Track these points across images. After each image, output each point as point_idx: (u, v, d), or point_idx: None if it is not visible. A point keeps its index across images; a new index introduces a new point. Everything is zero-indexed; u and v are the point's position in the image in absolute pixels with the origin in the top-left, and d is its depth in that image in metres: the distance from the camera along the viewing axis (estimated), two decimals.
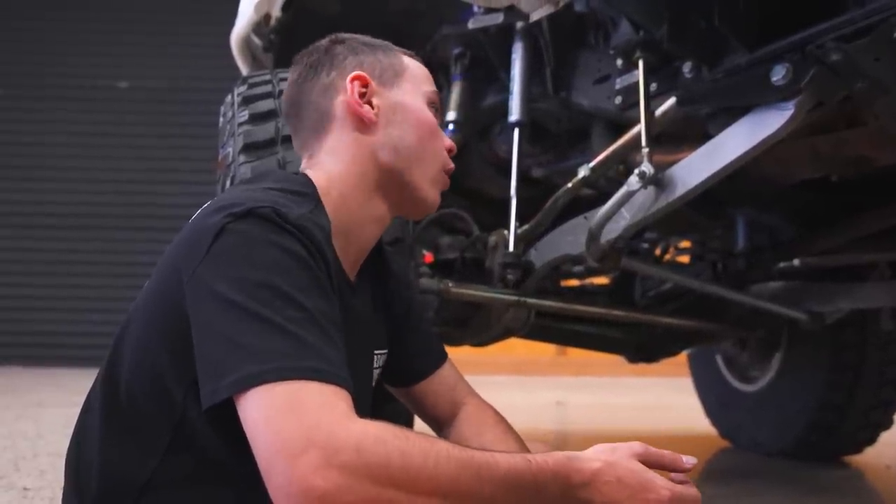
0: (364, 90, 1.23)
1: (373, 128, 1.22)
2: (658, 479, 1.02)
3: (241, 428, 0.94)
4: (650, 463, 1.04)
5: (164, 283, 1.08)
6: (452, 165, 1.30)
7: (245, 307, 0.96)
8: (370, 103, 1.23)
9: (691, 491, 1.06)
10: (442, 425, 1.39)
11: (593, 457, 1.01)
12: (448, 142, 1.30)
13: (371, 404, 1.32)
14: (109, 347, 1.15)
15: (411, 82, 1.28)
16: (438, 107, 1.31)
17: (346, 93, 1.23)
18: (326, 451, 0.88)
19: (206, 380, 0.97)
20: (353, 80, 1.23)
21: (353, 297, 1.22)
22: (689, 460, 1.08)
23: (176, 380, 1.05)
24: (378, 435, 0.91)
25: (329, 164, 1.22)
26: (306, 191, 1.16)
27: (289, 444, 0.89)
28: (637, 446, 1.04)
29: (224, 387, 0.94)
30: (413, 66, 1.30)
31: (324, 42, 1.30)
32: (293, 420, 0.90)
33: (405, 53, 1.31)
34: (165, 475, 1.08)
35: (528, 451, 1.32)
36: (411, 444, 0.92)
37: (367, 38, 1.31)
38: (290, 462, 0.88)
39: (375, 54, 1.27)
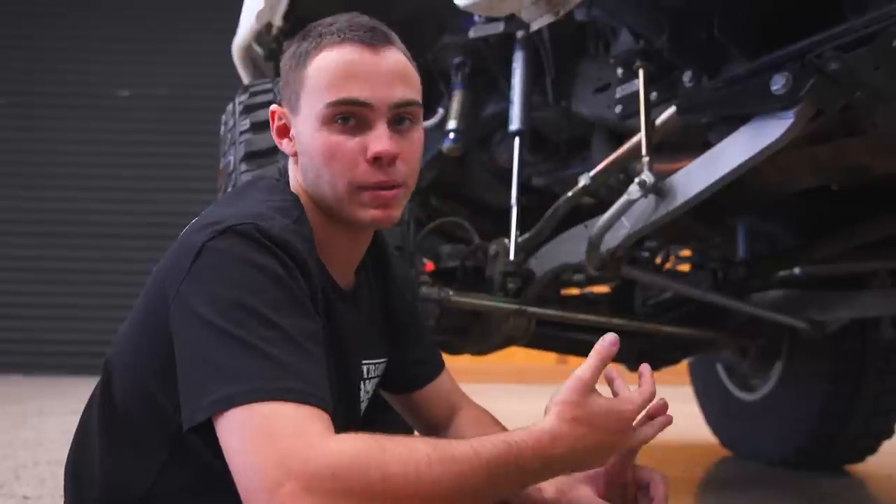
0: (283, 123, 1.20)
1: (297, 159, 1.19)
2: (620, 403, 1.06)
3: None
4: (595, 381, 1.05)
5: (152, 300, 1.09)
6: (376, 179, 1.12)
7: (221, 327, 0.96)
8: (290, 136, 1.19)
9: (637, 393, 1.09)
10: (439, 431, 1.39)
11: (560, 418, 1.02)
12: (373, 150, 1.11)
13: (365, 412, 1.31)
14: (104, 361, 1.16)
15: (307, 103, 1.14)
16: (356, 109, 1.11)
17: None
18: (303, 478, 0.88)
19: (186, 400, 0.97)
20: (270, 117, 1.21)
21: (345, 305, 1.21)
22: (609, 339, 1.08)
23: (167, 396, 1.06)
24: (354, 453, 0.91)
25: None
26: (290, 199, 1.16)
27: (266, 476, 0.89)
28: (580, 383, 1.04)
29: (202, 408, 0.94)
30: (313, 77, 1.13)
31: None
32: (267, 448, 0.89)
33: (328, 46, 1.13)
34: (165, 487, 1.08)
35: None
36: (389, 455, 0.92)
37: (305, 37, 1.18)
38: (269, 495, 0.88)
39: (289, 73, 1.17)
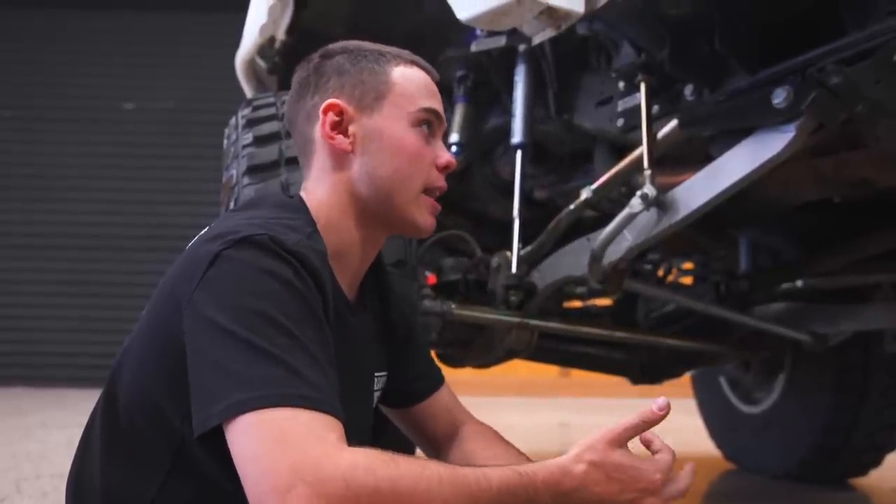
0: (339, 119, 1.19)
1: (349, 157, 1.20)
2: (645, 465, 1.04)
3: None
4: (627, 439, 1.05)
5: (161, 310, 1.08)
6: (442, 184, 1.24)
7: (236, 334, 0.96)
8: (346, 132, 1.20)
9: (666, 457, 1.07)
10: (441, 446, 1.39)
11: (578, 458, 1.02)
12: (444, 158, 1.24)
13: (372, 426, 1.32)
14: (109, 372, 1.15)
15: (395, 104, 1.21)
16: (434, 120, 1.24)
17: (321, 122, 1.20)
18: (314, 485, 0.88)
19: (198, 407, 0.97)
20: (326, 110, 1.19)
21: (354, 317, 1.22)
22: (658, 404, 1.06)
23: (173, 407, 1.05)
24: (367, 465, 0.91)
25: (317, 190, 1.21)
26: (301, 216, 1.16)
27: (277, 480, 0.89)
28: (609, 434, 1.03)
29: (214, 414, 0.94)
30: (402, 83, 1.22)
31: (315, 56, 1.26)
32: (281, 453, 0.90)
33: (401, 62, 1.24)
34: (167, 500, 1.08)
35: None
36: (401, 470, 0.92)
37: (360, 49, 1.25)
38: (279, 498, 0.88)
39: (361, 74, 1.21)
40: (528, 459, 1.32)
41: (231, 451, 0.94)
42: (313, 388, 0.95)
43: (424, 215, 1.23)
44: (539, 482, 0.99)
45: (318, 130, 1.21)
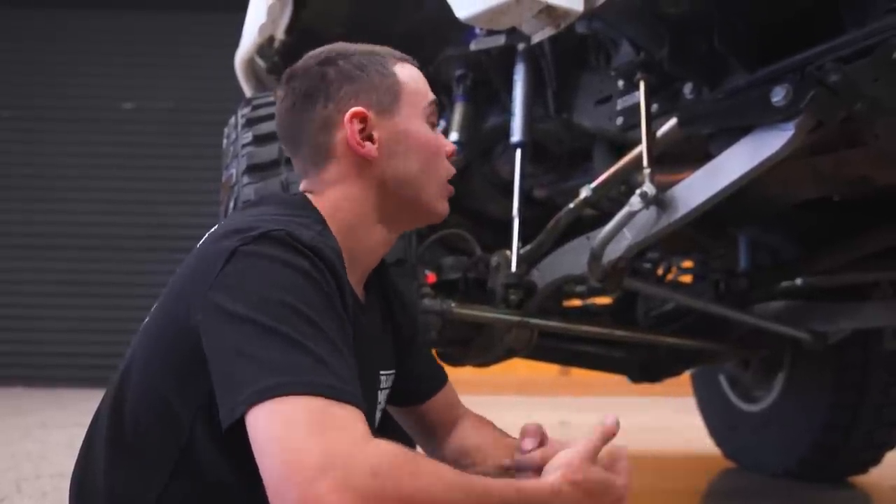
0: (363, 126, 1.19)
1: (375, 161, 1.20)
2: (611, 479, 1.10)
3: (249, 452, 0.93)
4: (595, 454, 1.11)
5: (170, 309, 1.08)
6: (454, 170, 1.29)
7: (262, 323, 0.95)
8: (371, 137, 1.19)
9: (624, 462, 1.14)
10: (440, 440, 1.41)
11: (563, 478, 1.06)
12: (449, 146, 1.28)
13: (377, 424, 1.32)
14: (117, 372, 1.15)
15: (409, 103, 1.23)
16: (436, 111, 1.28)
17: (344, 130, 1.19)
18: (343, 473, 0.88)
19: (224, 399, 0.96)
20: (351, 118, 1.18)
21: (364, 315, 1.22)
22: (609, 420, 1.15)
23: (183, 405, 1.05)
24: (392, 458, 0.92)
25: (332, 195, 1.20)
26: (310, 214, 1.16)
27: (304, 467, 0.88)
28: (585, 453, 1.09)
29: (241, 401, 0.93)
30: (408, 80, 1.24)
31: (313, 64, 1.24)
32: (312, 439, 0.89)
33: (397, 60, 1.25)
34: (171, 500, 1.08)
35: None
36: (421, 468, 0.94)
37: (359, 55, 1.24)
38: (307, 484, 0.88)
39: (371, 79, 1.21)
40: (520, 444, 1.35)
41: (253, 436, 0.92)
42: (339, 378, 0.95)
43: (444, 203, 1.27)
44: (534, 499, 1.04)
45: (340, 139, 1.20)
